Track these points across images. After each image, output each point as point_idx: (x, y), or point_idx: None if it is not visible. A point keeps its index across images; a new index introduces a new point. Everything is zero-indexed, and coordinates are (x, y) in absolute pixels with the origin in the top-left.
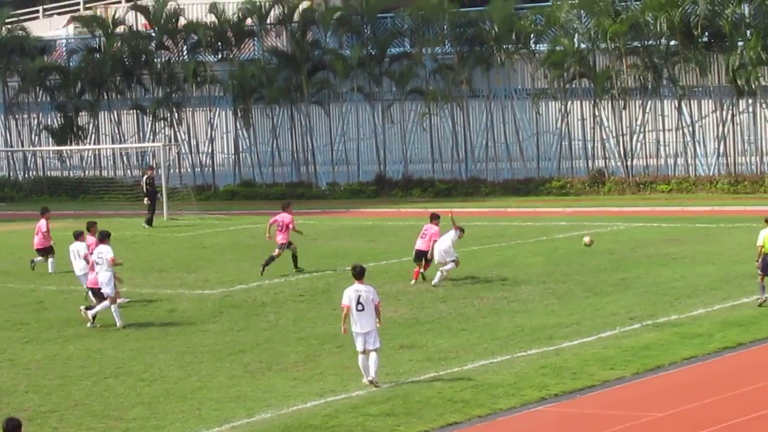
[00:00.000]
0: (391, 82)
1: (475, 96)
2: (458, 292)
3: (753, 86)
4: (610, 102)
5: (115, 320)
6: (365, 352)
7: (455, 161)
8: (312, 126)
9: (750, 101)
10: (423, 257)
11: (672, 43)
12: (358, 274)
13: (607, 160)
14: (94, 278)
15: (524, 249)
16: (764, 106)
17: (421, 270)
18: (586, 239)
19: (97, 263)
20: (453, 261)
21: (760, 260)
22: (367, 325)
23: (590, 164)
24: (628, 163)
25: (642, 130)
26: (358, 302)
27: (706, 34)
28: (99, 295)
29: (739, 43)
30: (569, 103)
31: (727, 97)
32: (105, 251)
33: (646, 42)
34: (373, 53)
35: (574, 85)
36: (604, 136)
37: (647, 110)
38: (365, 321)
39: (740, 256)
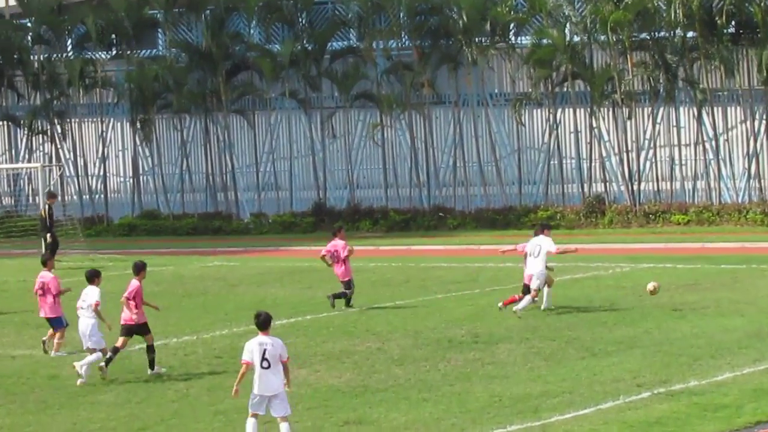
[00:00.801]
0: (333, 86)
1: (439, 102)
2: (419, 352)
3: None
4: (611, 110)
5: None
6: (256, 416)
7: (415, 186)
8: (232, 141)
9: None
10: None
11: (690, 35)
12: (263, 323)
13: (607, 184)
14: None
15: (502, 297)
16: None
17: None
18: (651, 286)
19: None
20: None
21: None
22: (273, 387)
23: (586, 189)
24: (635, 187)
25: (652, 145)
26: (263, 358)
27: (733, 23)
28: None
29: None
30: (560, 111)
31: (760, 104)
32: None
33: (657, 34)
34: (310, 49)
35: (565, 89)
36: (604, 154)
37: (658, 120)
38: (271, 382)
39: None
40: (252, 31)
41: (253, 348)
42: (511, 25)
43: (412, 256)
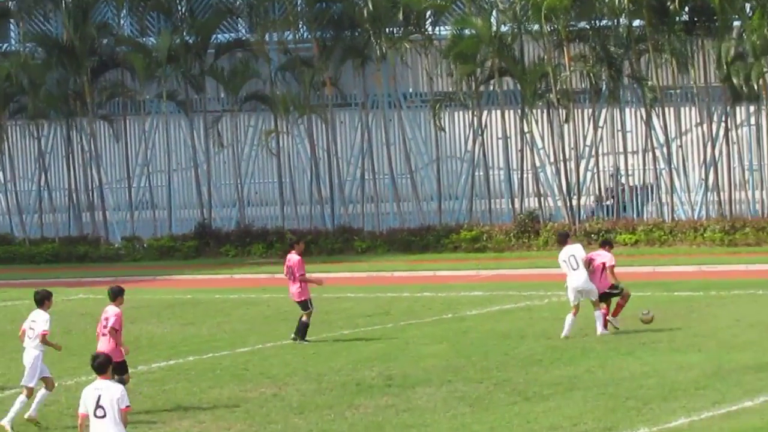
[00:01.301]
0: (219, 86)
1: (344, 105)
2: (322, 399)
3: (756, 86)
4: (545, 112)
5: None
6: None
7: (316, 203)
8: (99, 152)
9: (752, 109)
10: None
11: (637, 23)
12: (100, 366)
13: (542, 199)
14: None
15: (420, 333)
16: None
17: (608, 315)
18: (645, 315)
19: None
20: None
21: None
22: None
23: (517, 205)
24: (573, 202)
25: (593, 153)
26: (98, 405)
27: (687, 10)
28: None
29: (735, 23)
30: (485, 113)
31: (718, 103)
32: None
33: (598, 23)
34: (192, 42)
35: (492, 88)
36: (538, 163)
37: (601, 124)
38: None
39: (739, 339)
40: (122, 22)
41: (88, 396)
42: (428, 13)
43: (312, 286)
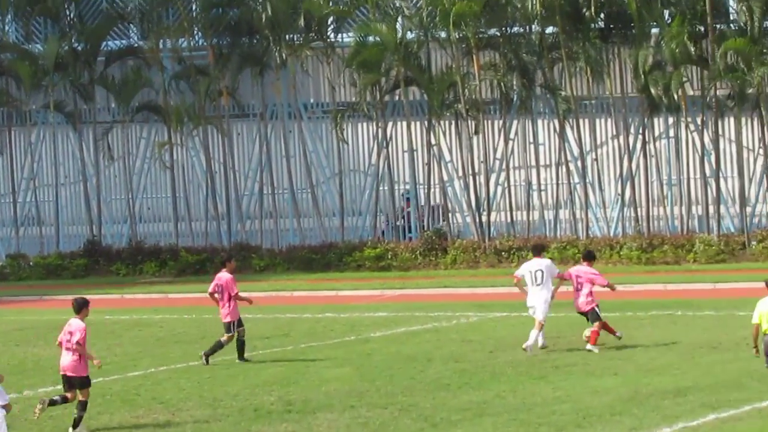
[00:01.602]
0: (109, 95)
1: (242, 115)
2: (218, 425)
3: (675, 97)
4: (453, 123)
5: None
6: None
7: (212, 219)
8: None
9: (671, 120)
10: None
11: (550, 30)
12: None
13: (450, 215)
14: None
15: (321, 355)
16: (692, 128)
17: (599, 330)
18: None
19: None
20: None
21: (763, 345)
22: None
23: (425, 221)
24: (483, 218)
25: (504, 167)
26: None
27: (603, 17)
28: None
29: (654, 31)
30: (390, 125)
31: (635, 115)
32: None
33: (509, 30)
34: (81, 49)
35: (397, 98)
36: (446, 177)
37: (512, 136)
38: None
39: (657, 362)
40: (6, 28)
41: None
42: (330, 20)
43: (208, 305)
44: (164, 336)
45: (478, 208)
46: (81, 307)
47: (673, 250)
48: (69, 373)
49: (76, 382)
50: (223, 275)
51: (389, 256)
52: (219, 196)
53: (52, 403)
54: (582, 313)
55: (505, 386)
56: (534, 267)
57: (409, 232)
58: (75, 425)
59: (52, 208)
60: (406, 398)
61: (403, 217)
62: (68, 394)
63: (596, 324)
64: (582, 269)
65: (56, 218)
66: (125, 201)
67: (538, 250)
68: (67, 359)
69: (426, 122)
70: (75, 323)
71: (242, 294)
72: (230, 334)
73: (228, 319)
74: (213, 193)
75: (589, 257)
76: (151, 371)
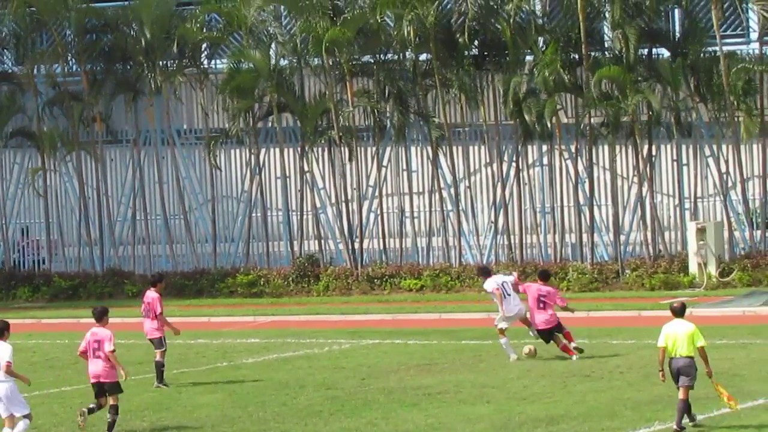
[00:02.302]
0: None
1: (115, 141)
2: None
3: (549, 125)
4: (326, 150)
5: None
6: None
7: (85, 244)
8: None
9: (545, 148)
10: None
11: (424, 57)
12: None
13: (322, 241)
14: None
15: (194, 381)
16: (566, 156)
17: (570, 343)
18: (527, 349)
19: None
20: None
21: (670, 368)
22: None
23: (297, 247)
24: (356, 245)
25: (377, 194)
26: None
27: (476, 43)
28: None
29: (528, 58)
30: (263, 151)
31: (508, 142)
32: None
33: (383, 56)
34: None
35: (270, 124)
36: (318, 204)
37: (385, 163)
38: None
39: (530, 390)
40: None
41: None
42: (204, 46)
43: (81, 331)
44: (37, 361)
45: (350, 235)
46: (102, 315)
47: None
48: (102, 380)
49: (108, 388)
50: (152, 293)
51: (262, 283)
52: (92, 222)
53: (90, 411)
54: (544, 331)
55: (377, 413)
56: (498, 281)
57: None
58: (110, 429)
59: None
60: (278, 425)
61: (19, 251)
62: (101, 400)
63: (564, 333)
64: (545, 288)
65: None
66: None
67: (487, 271)
68: (98, 366)
69: (299, 149)
70: (102, 332)
71: (167, 319)
72: (163, 349)
73: (158, 335)
74: (86, 218)
75: (545, 276)
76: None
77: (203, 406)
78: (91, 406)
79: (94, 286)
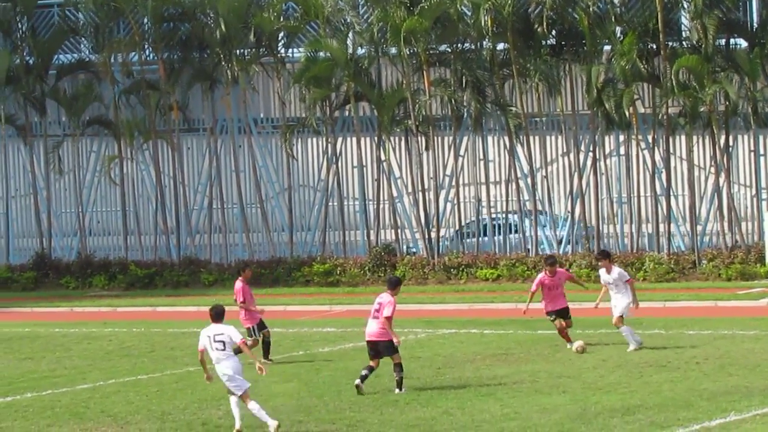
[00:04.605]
0: (60, 109)
1: (192, 130)
2: None
3: (627, 114)
4: (403, 139)
5: None
6: None
7: (161, 233)
8: None
9: (622, 138)
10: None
11: (501, 47)
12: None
13: (399, 231)
14: None
15: (270, 370)
16: (643, 146)
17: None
18: (577, 345)
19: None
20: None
21: None
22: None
23: (373, 237)
24: (432, 235)
25: (454, 183)
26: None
27: (554, 33)
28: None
29: (606, 47)
30: (340, 140)
31: (585, 132)
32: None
33: (460, 46)
34: (32, 63)
35: (347, 113)
36: (395, 193)
37: (462, 152)
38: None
39: (606, 380)
40: None
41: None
42: (281, 35)
43: (157, 319)
44: (113, 349)
45: (426, 224)
46: (395, 285)
47: (623, 268)
48: (374, 338)
49: (382, 347)
50: (236, 284)
51: (338, 272)
52: (168, 210)
53: (364, 378)
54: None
55: (452, 403)
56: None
57: None
58: (399, 386)
59: (2, 220)
60: (353, 414)
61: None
62: (372, 363)
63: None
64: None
65: (6, 231)
66: (75, 214)
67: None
68: (374, 327)
69: (376, 138)
70: (385, 297)
71: (250, 307)
72: (254, 338)
73: (247, 325)
74: (162, 207)
75: (552, 263)
76: (99, 384)
77: (279, 395)
78: (363, 372)
79: (170, 274)
